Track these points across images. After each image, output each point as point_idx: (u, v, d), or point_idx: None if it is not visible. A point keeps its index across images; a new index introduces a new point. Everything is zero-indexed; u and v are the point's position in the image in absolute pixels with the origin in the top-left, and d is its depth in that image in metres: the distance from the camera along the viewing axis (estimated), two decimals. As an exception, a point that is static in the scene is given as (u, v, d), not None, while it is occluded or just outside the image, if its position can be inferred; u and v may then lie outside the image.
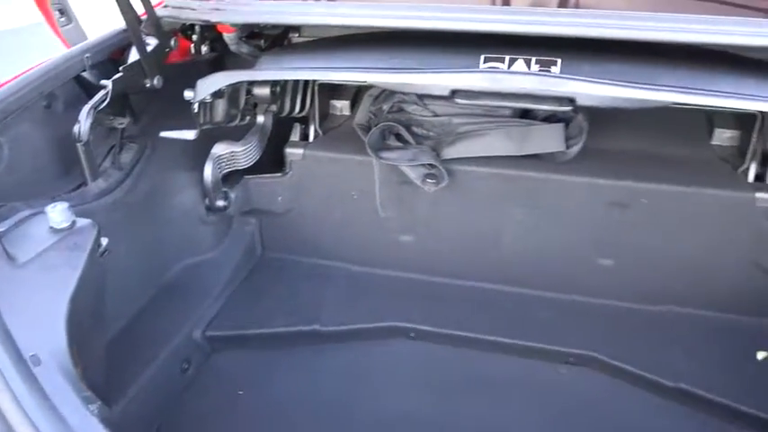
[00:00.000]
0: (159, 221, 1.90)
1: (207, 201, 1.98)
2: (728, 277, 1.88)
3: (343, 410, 1.72)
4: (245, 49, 1.91)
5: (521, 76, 1.47)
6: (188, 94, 1.73)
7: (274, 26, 2.00)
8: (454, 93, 1.51)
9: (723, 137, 1.99)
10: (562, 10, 1.63)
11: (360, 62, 1.59)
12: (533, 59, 1.47)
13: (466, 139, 1.94)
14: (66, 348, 1.08)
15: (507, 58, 1.49)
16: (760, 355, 1.78)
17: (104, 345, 1.42)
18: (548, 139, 1.89)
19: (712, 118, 2.01)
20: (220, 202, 1.99)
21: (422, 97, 1.99)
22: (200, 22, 1.82)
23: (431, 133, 2.00)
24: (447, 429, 1.67)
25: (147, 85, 1.80)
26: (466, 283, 2.07)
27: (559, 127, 1.88)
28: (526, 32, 1.43)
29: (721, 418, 1.65)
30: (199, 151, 1.95)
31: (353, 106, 2.25)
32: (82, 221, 1.36)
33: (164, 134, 1.80)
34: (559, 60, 1.46)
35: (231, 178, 2.05)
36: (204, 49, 1.99)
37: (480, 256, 2.05)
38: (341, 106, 2.26)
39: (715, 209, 1.82)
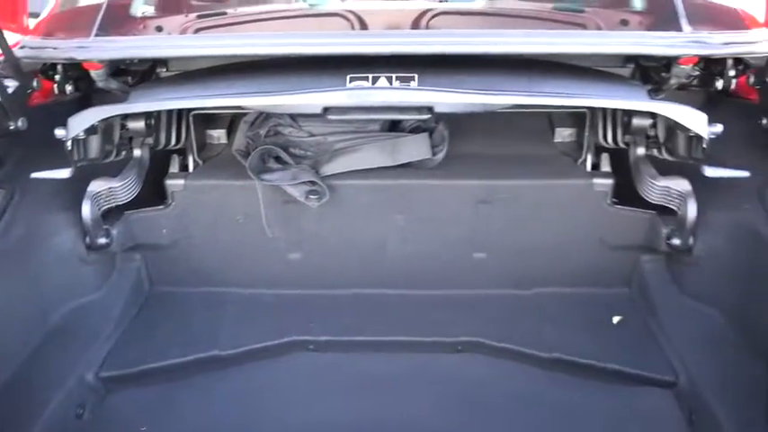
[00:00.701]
0: (37, 265, 1.84)
1: (87, 239, 1.94)
2: (580, 255, 2.14)
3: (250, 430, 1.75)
4: (113, 85, 1.91)
5: (384, 91, 1.62)
6: (59, 132, 1.71)
7: (141, 61, 2.02)
8: (326, 110, 1.63)
9: (563, 135, 2.29)
10: (413, 32, 1.81)
11: (233, 88, 1.67)
12: (394, 76, 1.64)
13: (342, 155, 2.07)
14: None
15: (371, 76, 1.64)
16: (615, 320, 2.05)
17: None
18: (415, 149, 2.06)
19: (552, 119, 2.30)
20: (102, 240, 1.96)
21: (296, 119, 2.10)
22: (63, 61, 1.81)
23: (308, 153, 2.11)
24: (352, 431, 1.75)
25: (11, 128, 1.76)
26: (356, 291, 2.18)
27: (424, 136, 2.07)
28: (381, 53, 1.60)
29: (591, 377, 1.87)
30: (74, 191, 1.92)
31: (230, 134, 2.31)
32: None
33: (36, 175, 1.76)
34: (416, 75, 1.64)
35: (111, 215, 2.03)
36: (69, 88, 1.97)
37: (367, 263, 2.17)
38: (217, 135, 2.31)
39: (563, 197, 2.08)
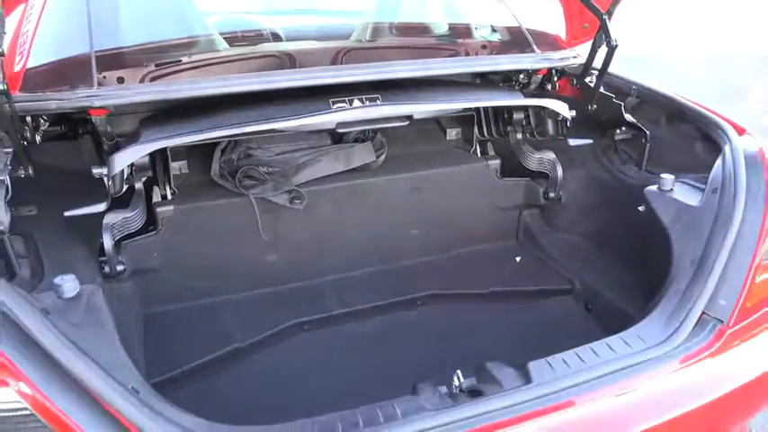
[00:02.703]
0: None
1: (107, 269, 2.12)
2: (484, 219, 2.89)
3: (304, 397, 2.09)
4: (109, 128, 2.13)
5: (363, 109, 2.15)
6: (97, 170, 1.92)
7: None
8: (337, 125, 2.12)
9: (452, 134, 3.03)
10: (374, 63, 2.31)
11: (250, 117, 2.04)
12: (364, 97, 2.17)
13: (305, 167, 2.54)
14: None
15: (347, 99, 2.16)
16: (518, 259, 2.85)
17: None
18: (363, 155, 2.63)
19: (441, 123, 3.03)
20: (120, 267, 2.15)
21: (261, 142, 2.51)
22: (74, 110, 2.00)
23: (276, 168, 2.53)
24: (358, 378, 2.15)
25: (23, 176, 1.91)
26: (329, 277, 2.65)
27: (369, 144, 2.64)
28: (356, 81, 2.12)
29: (516, 300, 2.61)
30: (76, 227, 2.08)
31: (189, 165, 2.60)
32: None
33: (70, 213, 1.93)
34: (379, 95, 2.20)
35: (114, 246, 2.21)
36: (38, 137, 2.11)
37: (334, 253, 2.66)
38: (179, 166, 2.57)
39: (468, 177, 2.81)
